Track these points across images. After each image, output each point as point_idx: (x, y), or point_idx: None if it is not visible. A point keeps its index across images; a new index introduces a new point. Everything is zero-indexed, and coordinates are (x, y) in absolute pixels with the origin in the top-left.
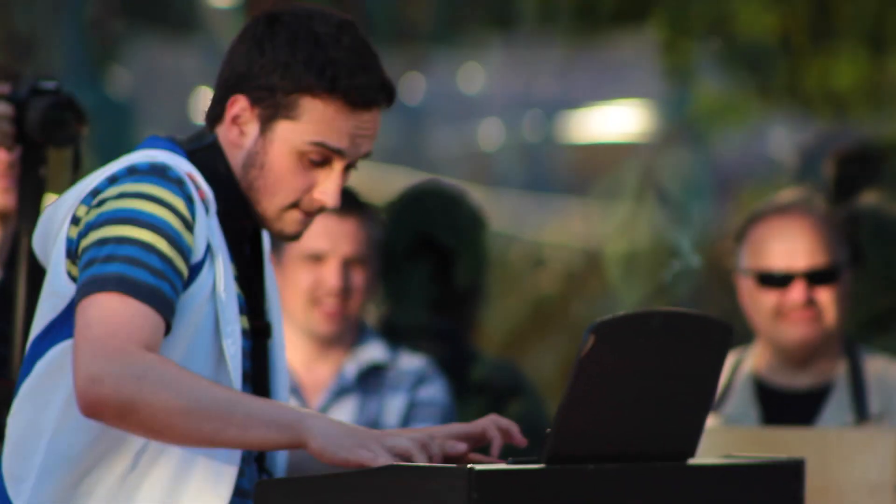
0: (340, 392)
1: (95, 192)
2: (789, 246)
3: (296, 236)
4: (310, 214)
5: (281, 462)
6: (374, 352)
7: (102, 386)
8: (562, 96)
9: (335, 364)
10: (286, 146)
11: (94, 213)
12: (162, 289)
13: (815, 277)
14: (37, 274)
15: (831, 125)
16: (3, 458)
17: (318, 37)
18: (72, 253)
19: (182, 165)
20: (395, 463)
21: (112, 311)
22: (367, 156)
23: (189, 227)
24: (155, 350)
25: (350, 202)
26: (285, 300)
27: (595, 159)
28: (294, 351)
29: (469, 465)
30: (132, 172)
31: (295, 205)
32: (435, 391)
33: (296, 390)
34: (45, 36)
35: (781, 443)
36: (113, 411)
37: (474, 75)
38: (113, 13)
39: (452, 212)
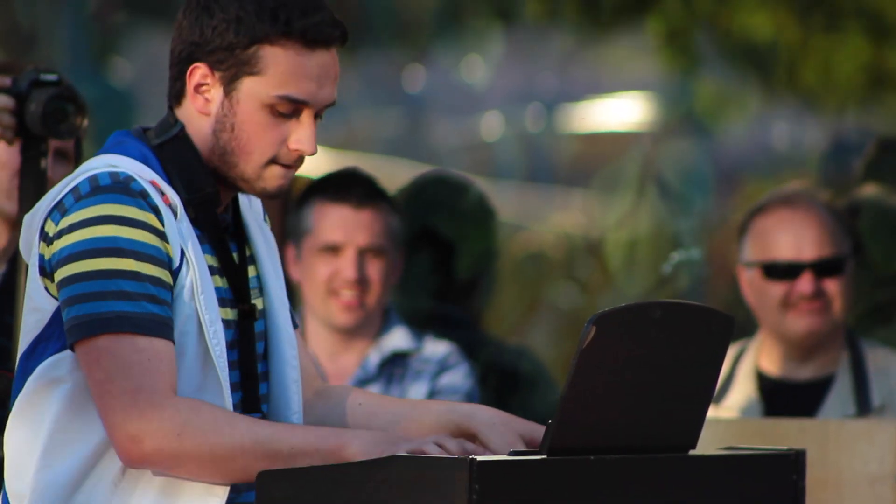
0: (363, 381)
1: (61, 208)
2: (797, 237)
3: (279, 193)
4: (290, 167)
5: None
6: (397, 339)
7: (143, 445)
8: (563, 89)
9: (359, 354)
10: (253, 102)
11: (67, 239)
12: (161, 314)
13: (822, 268)
14: None
15: (834, 117)
16: (6, 477)
17: None
18: (45, 271)
19: (144, 173)
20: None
21: (128, 361)
22: (331, 104)
23: (164, 237)
24: (175, 375)
25: (366, 192)
26: (306, 292)
27: (596, 150)
28: (318, 342)
29: (471, 456)
30: (96, 190)
31: (273, 160)
32: (457, 378)
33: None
34: (46, 28)
35: (782, 434)
36: (159, 467)
37: (476, 68)
38: (115, 5)
39: (455, 202)
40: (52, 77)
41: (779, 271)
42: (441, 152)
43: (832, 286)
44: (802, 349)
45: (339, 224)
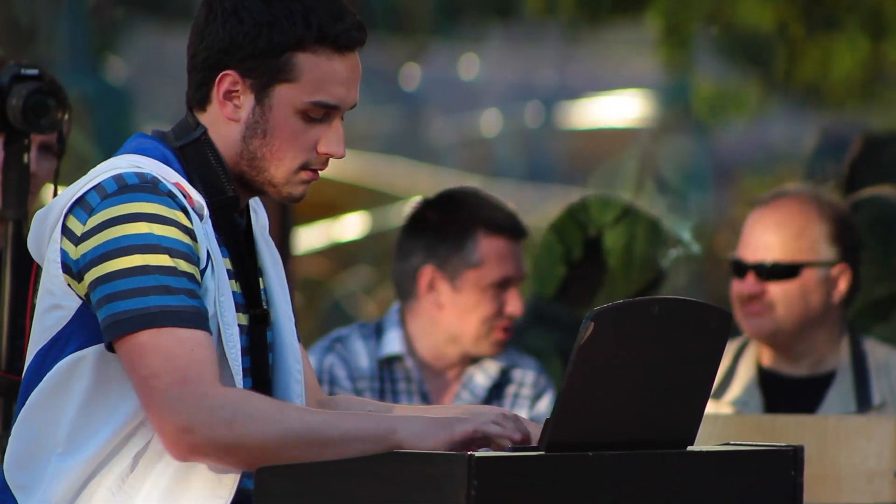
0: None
1: (86, 206)
2: (755, 238)
3: (300, 198)
4: (317, 171)
5: None
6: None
7: (195, 435)
8: (561, 86)
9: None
10: (286, 109)
11: (99, 238)
12: (199, 307)
13: (765, 272)
14: (23, 262)
15: (832, 113)
16: (5, 467)
17: None
18: (69, 268)
19: (168, 175)
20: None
21: (172, 353)
22: (354, 106)
23: (193, 236)
24: (217, 366)
25: (520, 224)
26: (454, 321)
27: (595, 147)
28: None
29: (469, 452)
30: (123, 189)
31: (303, 166)
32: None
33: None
34: (45, 25)
35: (780, 430)
36: (210, 457)
37: (473, 65)
38: (112, 2)
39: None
40: (33, 72)
41: (735, 269)
42: (439, 149)
43: (776, 290)
44: (772, 347)
45: (511, 260)
